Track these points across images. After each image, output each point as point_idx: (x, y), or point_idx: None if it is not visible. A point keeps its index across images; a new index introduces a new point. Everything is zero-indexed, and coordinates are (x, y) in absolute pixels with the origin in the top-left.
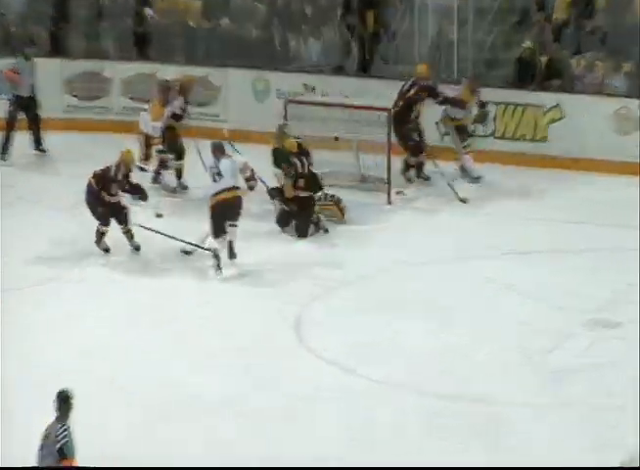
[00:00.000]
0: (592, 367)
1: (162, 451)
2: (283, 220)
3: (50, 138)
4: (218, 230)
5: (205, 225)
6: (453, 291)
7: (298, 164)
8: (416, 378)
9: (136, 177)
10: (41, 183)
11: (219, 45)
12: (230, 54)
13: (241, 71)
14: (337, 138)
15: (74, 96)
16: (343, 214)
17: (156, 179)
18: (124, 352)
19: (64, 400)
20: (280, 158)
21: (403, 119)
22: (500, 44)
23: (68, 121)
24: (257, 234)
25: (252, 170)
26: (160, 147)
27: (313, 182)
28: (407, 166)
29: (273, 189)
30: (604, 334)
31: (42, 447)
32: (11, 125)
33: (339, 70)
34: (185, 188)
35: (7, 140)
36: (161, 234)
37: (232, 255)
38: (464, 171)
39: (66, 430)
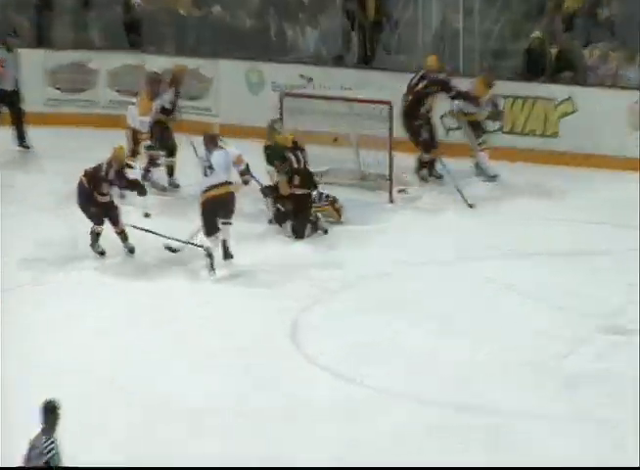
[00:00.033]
0: (606, 374)
1: (162, 451)
2: (279, 218)
3: (31, 133)
4: (210, 228)
5: (198, 223)
6: (455, 293)
7: (293, 159)
8: (417, 383)
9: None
10: (26, 181)
11: (211, 35)
12: (222, 44)
13: (234, 63)
14: (336, 139)
15: (58, 88)
16: (340, 215)
17: (144, 177)
18: (124, 352)
19: (50, 411)
20: (273, 155)
21: (413, 114)
22: (508, 34)
23: (51, 115)
24: (251, 235)
25: (247, 164)
26: (149, 143)
27: (309, 179)
28: (421, 165)
29: (266, 187)
30: (619, 340)
31: (27, 459)
32: None
33: (338, 61)
34: (176, 187)
35: None
36: (154, 233)
37: (227, 255)
38: (479, 169)
39: (52, 442)
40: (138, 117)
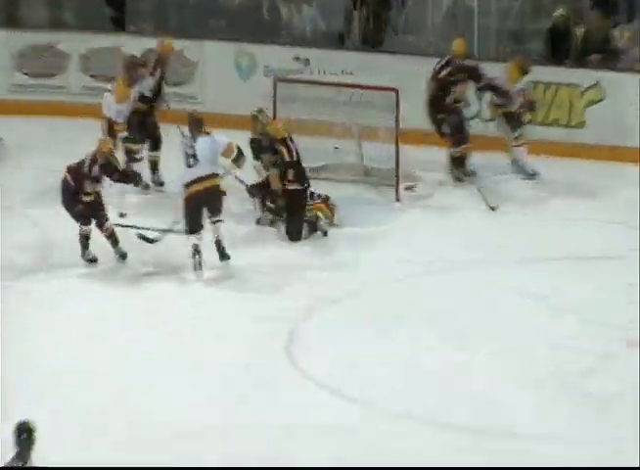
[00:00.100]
0: (633, 391)
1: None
2: (271, 218)
3: None
4: (193, 226)
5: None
6: (467, 302)
7: (285, 151)
8: (428, 405)
9: None
10: None
11: (195, 13)
12: (208, 23)
13: (221, 44)
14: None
15: (25, 74)
16: (333, 215)
17: None
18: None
19: (24, 433)
20: (259, 148)
21: (437, 105)
22: (529, 12)
23: (17, 103)
24: (241, 237)
25: (239, 149)
26: (126, 134)
27: (303, 174)
28: (454, 161)
29: (254, 186)
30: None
31: None
32: None
33: (338, 43)
34: (161, 184)
35: None
36: (137, 228)
37: (224, 256)
38: (516, 166)
39: None
40: (114, 105)
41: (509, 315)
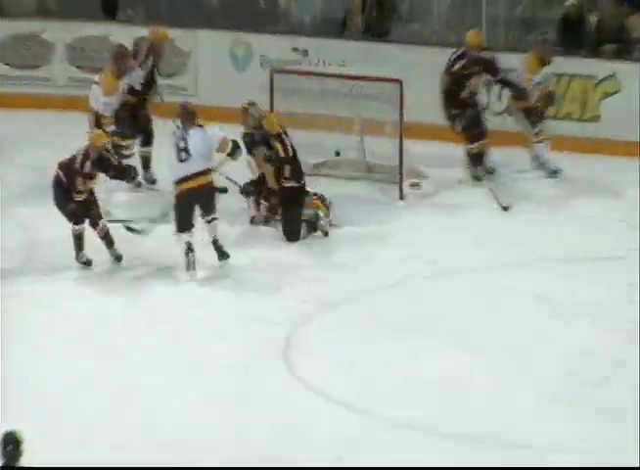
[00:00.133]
0: None
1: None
2: (266, 217)
3: None
4: (183, 224)
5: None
6: (474, 306)
7: (279, 147)
8: (431, 415)
9: None
10: None
11: (188, 0)
12: (202, 11)
13: (215, 34)
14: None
15: (7, 64)
16: (329, 213)
17: None
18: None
19: (12, 445)
20: (251, 144)
21: (452, 100)
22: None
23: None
24: (236, 237)
25: (235, 143)
26: (113, 128)
27: (299, 170)
28: (472, 159)
29: (247, 184)
30: None
31: None
32: None
33: (338, 32)
34: (153, 182)
35: None
36: (118, 221)
37: (223, 255)
38: (538, 163)
39: None
40: (101, 97)
41: (513, 316)
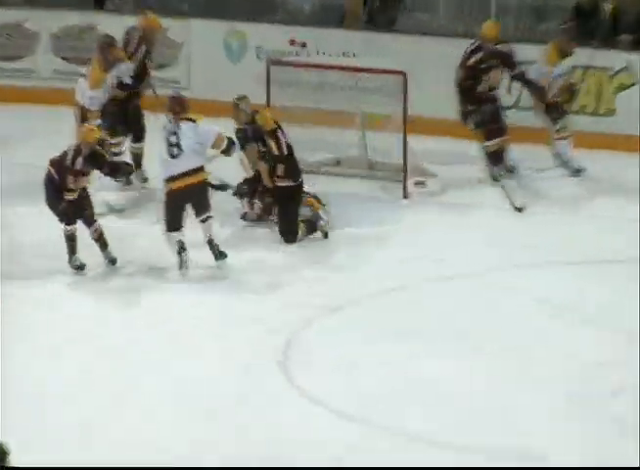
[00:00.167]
0: None
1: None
2: (260, 215)
3: None
4: (173, 223)
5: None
6: (479, 311)
7: (274, 145)
8: (431, 415)
9: None
10: None
11: None
12: (195, 0)
13: (208, 23)
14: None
15: None
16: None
17: None
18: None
19: None
20: (244, 140)
21: (468, 95)
22: None
23: None
24: (232, 237)
25: (230, 140)
26: (99, 122)
27: (295, 168)
28: (490, 157)
29: (242, 184)
30: None
31: None
32: None
33: (338, 22)
34: (145, 180)
35: None
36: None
37: (221, 254)
38: (560, 161)
39: None
40: (87, 91)
41: (515, 317)
